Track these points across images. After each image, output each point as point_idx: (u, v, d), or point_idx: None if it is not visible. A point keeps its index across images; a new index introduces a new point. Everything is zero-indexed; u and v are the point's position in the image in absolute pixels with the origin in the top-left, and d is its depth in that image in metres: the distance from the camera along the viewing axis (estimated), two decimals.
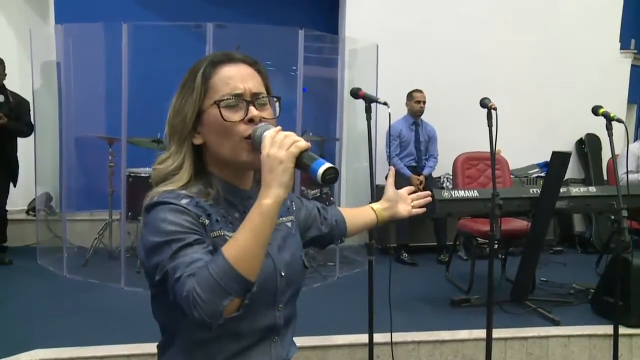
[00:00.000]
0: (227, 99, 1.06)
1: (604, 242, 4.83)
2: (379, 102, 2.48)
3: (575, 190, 3.55)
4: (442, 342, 3.13)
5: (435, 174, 5.31)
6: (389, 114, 2.34)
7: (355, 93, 2.55)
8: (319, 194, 4.47)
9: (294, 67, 4.21)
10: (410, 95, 5.14)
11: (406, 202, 1.56)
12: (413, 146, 5.13)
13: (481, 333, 2.86)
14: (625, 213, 2.74)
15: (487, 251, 2.76)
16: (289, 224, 1.23)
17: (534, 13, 5.77)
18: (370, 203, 1.56)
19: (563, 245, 5.55)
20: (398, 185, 1.57)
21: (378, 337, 2.67)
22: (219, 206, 1.09)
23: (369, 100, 2.51)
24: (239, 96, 1.07)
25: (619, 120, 2.77)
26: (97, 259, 4.48)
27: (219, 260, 0.93)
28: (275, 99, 1.14)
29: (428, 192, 1.64)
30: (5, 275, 4.26)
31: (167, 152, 1.11)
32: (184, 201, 1.03)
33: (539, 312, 3.54)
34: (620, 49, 6.13)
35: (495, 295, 2.93)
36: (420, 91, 5.11)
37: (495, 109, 2.63)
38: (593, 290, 3.71)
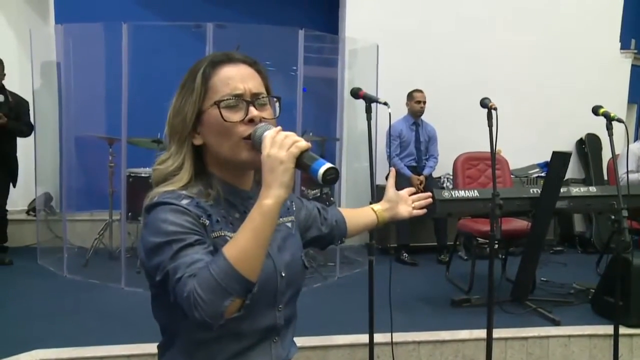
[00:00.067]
0: (227, 100, 1.06)
1: (604, 242, 4.83)
2: (379, 102, 2.48)
3: (576, 190, 3.55)
4: (443, 342, 3.13)
5: (435, 174, 5.31)
6: (389, 114, 2.34)
7: (356, 93, 2.55)
8: (319, 194, 4.47)
9: (294, 67, 4.20)
10: (410, 95, 5.14)
11: (407, 203, 1.56)
12: (413, 146, 5.13)
13: (481, 333, 2.86)
14: (625, 213, 2.74)
15: (488, 251, 2.76)
16: (289, 225, 1.23)
17: (534, 13, 5.77)
18: (370, 203, 1.56)
19: (563, 245, 5.55)
20: (398, 185, 1.57)
21: (378, 337, 2.66)
22: (219, 207, 1.08)
23: (369, 100, 2.51)
24: (239, 96, 1.07)
25: (619, 120, 2.77)
26: (98, 259, 4.48)
27: (219, 260, 0.93)
28: (275, 99, 1.14)
29: (429, 194, 1.64)
30: (5, 276, 4.26)
31: (167, 153, 1.11)
32: (184, 202, 1.03)
33: (539, 312, 3.54)
34: (621, 49, 6.13)
35: (496, 295, 2.93)
36: (420, 91, 5.11)
37: (495, 109, 2.63)
38: (593, 290, 3.71)
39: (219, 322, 0.93)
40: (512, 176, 5.06)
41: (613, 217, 2.84)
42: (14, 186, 4.61)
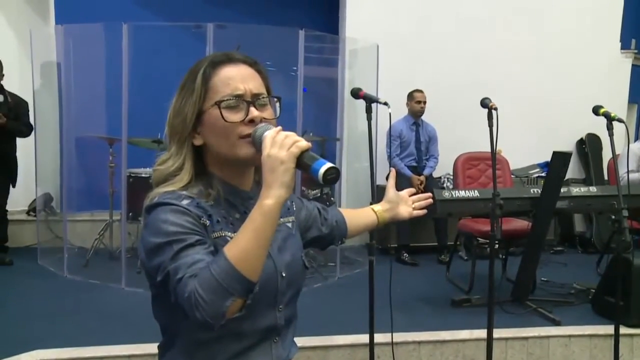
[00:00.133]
0: (228, 100, 1.06)
1: (605, 242, 4.83)
2: (380, 102, 2.49)
3: (576, 190, 3.55)
4: (443, 342, 3.13)
5: (435, 174, 5.31)
6: (390, 114, 2.34)
7: (356, 93, 2.56)
8: (319, 194, 4.47)
9: (295, 68, 4.21)
10: (410, 96, 5.14)
11: (407, 204, 1.56)
12: (413, 146, 5.13)
13: (482, 333, 2.86)
14: (625, 213, 2.74)
15: (488, 251, 2.76)
16: (290, 225, 1.23)
17: (534, 13, 5.77)
18: (371, 203, 1.56)
19: (564, 245, 5.55)
20: (398, 186, 1.57)
21: (379, 337, 2.66)
22: (219, 207, 1.08)
23: (370, 101, 2.51)
24: (239, 97, 1.07)
25: (620, 120, 2.77)
26: (98, 260, 4.48)
27: (220, 260, 0.93)
28: (275, 100, 1.14)
29: (429, 194, 1.64)
30: (5, 276, 4.26)
31: (168, 153, 1.11)
32: (184, 202, 1.03)
33: (539, 312, 3.54)
34: (621, 49, 6.13)
35: (496, 296, 2.93)
36: (420, 91, 5.11)
37: (495, 109, 2.63)
38: (594, 290, 3.71)
39: (220, 322, 0.93)
40: (512, 176, 5.06)
41: (613, 217, 2.84)
42: (14, 186, 4.61)
